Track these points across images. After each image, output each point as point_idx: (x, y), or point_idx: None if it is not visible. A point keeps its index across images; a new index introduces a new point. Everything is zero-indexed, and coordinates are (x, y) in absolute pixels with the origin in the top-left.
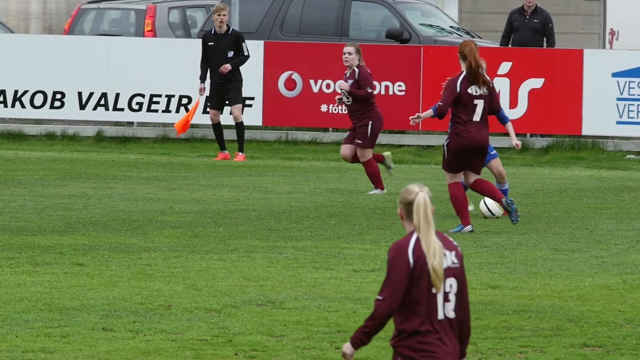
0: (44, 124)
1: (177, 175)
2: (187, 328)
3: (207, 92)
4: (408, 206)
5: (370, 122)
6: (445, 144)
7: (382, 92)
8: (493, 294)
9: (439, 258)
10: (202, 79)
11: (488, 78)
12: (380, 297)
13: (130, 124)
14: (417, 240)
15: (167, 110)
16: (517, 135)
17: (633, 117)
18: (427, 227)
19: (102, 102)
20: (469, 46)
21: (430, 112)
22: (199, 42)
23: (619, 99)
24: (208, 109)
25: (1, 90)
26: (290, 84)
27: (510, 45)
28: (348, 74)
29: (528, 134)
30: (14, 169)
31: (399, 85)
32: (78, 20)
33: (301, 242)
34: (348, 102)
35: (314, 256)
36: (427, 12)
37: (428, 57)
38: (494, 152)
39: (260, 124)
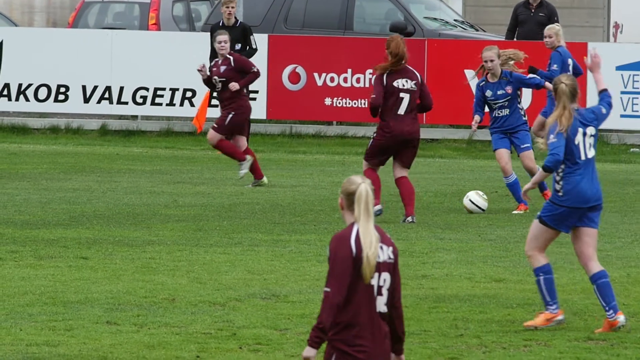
0: (48, 117)
1: (181, 169)
2: (191, 321)
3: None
4: (349, 196)
5: (232, 114)
6: (372, 136)
7: None
8: (497, 287)
9: (374, 249)
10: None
11: (416, 73)
12: (327, 289)
13: (135, 117)
14: (358, 232)
15: (171, 103)
16: None
17: (637, 111)
18: (366, 218)
19: (106, 95)
20: (394, 41)
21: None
22: (203, 35)
23: (622, 93)
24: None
25: (5, 83)
26: (294, 78)
27: (515, 39)
28: (221, 61)
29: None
30: (18, 163)
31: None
32: (82, 13)
33: (305, 236)
34: (218, 89)
35: (318, 249)
36: (431, 6)
37: (432, 50)
38: (527, 145)
39: (265, 117)
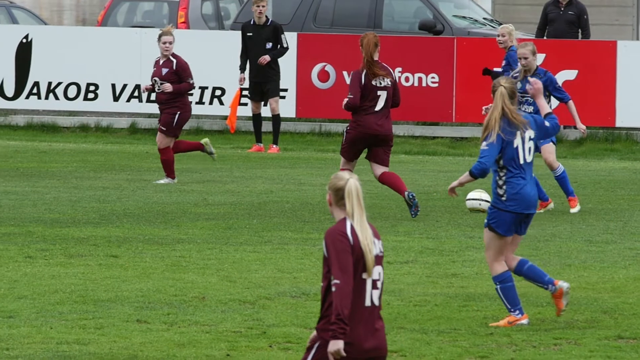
0: (77, 115)
1: (211, 167)
2: (221, 320)
3: (246, 83)
4: (338, 192)
5: (179, 112)
6: (345, 130)
7: (416, 84)
8: (527, 285)
9: (372, 244)
10: (242, 69)
11: (390, 70)
12: (337, 281)
13: None
14: (352, 226)
15: (200, 102)
16: None
17: None
18: (360, 213)
19: (136, 93)
20: (366, 38)
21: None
22: (232, 34)
23: None
24: (249, 101)
25: (35, 82)
26: (323, 76)
27: (545, 37)
28: (162, 62)
29: (562, 126)
30: (48, 161)
31: (432, 77)
32: (111, 12)
33: None
34: (159, 90)
35: None
36: (460, 4)
37: (461, 48)
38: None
39: (294, 115)
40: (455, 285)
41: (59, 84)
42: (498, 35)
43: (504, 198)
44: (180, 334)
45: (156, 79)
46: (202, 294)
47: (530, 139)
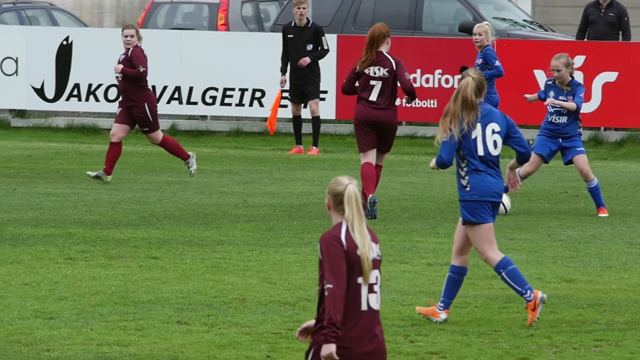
0: None
1: (251, 169)
2: (261, 321)
3: (287, 85)
4: (336, 197)
5: (146, 105)
6: (354, 124)
7: (456, 86)
8: (567, 287)
9: (370, 251)
10: (283, 71)
11: (392, 60)
12: (330, 285)
13: (204, 117)
14: (347, 230)
15: (240, 104)
16: (591, 129)
17: None
18: (359, 219)
19: (176, 95)
20: (372, 28)
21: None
22: (272, 36)
23: None
24: (289, 103)
25: (75, 84)
26: None
27: (585, 39)
28: (124, 55)
29: (602, 128)
30: (88, 163)
31: None
32: (151, 14)
33: None
34: (119, 78)
35: (388, 250)
36: (500, 6)
37: (501, 50)
38: (581, 148)
39: (334, 117)
40: (495, 287)
41: (99, 85)
42: (475, 34)
43: (467, 189)
44: (221, 335)
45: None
46: (242, 295)
47: (493, 132)
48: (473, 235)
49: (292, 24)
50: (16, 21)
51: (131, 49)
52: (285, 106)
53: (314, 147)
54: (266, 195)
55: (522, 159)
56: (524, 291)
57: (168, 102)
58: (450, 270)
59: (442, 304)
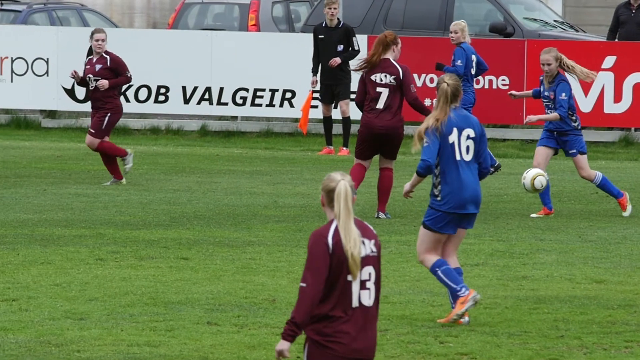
0: (148, 118)
1: (281, 170)
2: None
3: (318, 86)
4: (329, 194)
5: (109, 114)
6: (358, 130)
7: (486, 86)
8: (598, 288)
9: (358, 247)
10: (314, 71)
11: (399, 67)
12: (303, 284)
13: (234, 118)
14: (337, 227)
15: (270, 104)
16: (621, 129)
17: None
18: (347, 215)
19: (206, 96)
20: (379, 37)
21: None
22: (302, 37)
23: None
24: (320, 104)
25: None
26: None
27: (616, 39)
28: (96, 59)
29: (632, 128)
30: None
31: (503, 80)
32: (182, 14)
33: (405, 237)
34: (92, 87)
35: None
36: (531, 6)
37: (532, 51)
38: (573, 150)
39: None
40: (525, 287)
41: (130, 86)
42: (451, 32)
43: (439, 198)
44: (251, 336)
45: (90, 76)
46: (272, 296)
47: (468, 137)
48: (422, 234)
49: (323, 25)
50: (47, 22)
51: (107, 56)
52: (316, 107)
53: (344, 148)
54: (296, 196)
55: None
56: (458, 288)
57: (198, 103)
58: (437, 266)
59: (459, 292)
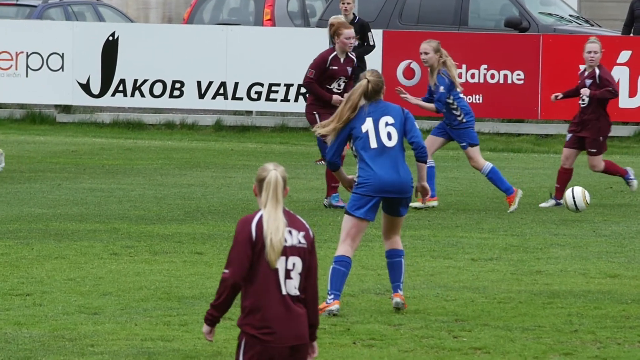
0: (163, 113)
1: (296, 164)
2: None
3: None
4: (260, 183)
5: None
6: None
7: (501, 81)
8: (612, 283)
9: (281, 235)
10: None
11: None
12: (226, 271)
13: (249, 113)
14: (262, 217)
15: (285, 99)
16: (636, 124)
17: None
18: (274, 204)
19: (221, 91)
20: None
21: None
22: (318, 31)
23: None
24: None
25: (121, 79)
26: (409, 73)
27: (632, 34)
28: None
29: None
30: (133, 158)
31: (518, 74)
32: (197, 9)
33: (419, 231)
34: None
35: (432, 245)
36: (546, 1)
37: (547, 45)
38: (464, 143)
39: None
40: (539, 282)
41: (145, 81)
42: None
43: (357, 183)
44: None
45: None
46: None
47: (387, 124)
48: (344, 221)
49: None
50: (62, 17)
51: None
52: None
53: None
54: (311, 191)
55: (417, 157)
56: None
57: (213, 98)
58: (335, 260)
59: (328, 297)
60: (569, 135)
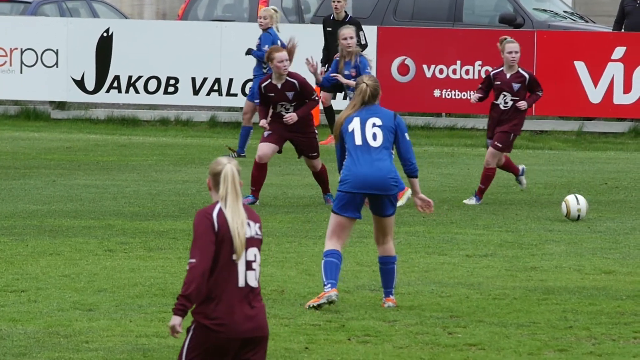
0: (157, 109)
1: (290, 160)
2: (300, 313)
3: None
4: (216, 177)
5: None
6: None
7: None
8: (607, 279)
9: (244, 228)
10: (323, 62)
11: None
12: (192, 260)
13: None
14: (220, 209)
15: None
16: (631, 120)
17: None
18: (234, 198)
19: (216, 87)
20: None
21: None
22: (312, 28)
23: None
24: (320, 93)
25: (115, 76)
26: (403, 69)
27: (623, 30)
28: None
29: None
30: (127, 155)
31: None
32: (192, 5)
33: (414, 227)
34: None
35: (427, 241)
36: None
37: (541, 42)
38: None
39: None
40: (534, 278)
41: (139, 77)
42: (260, 18)
43: (340, 180)
44: None
45: None
46: (281, 287)
47: (374, 125)
48: (330, 218)
49: (331, 17)
50: (57, 13)
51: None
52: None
53: None
54: (305, 187)
55: (406, 173)
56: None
57: (208, 94)
58: (325, 254)
59: (325, 285)
60: (489, 141)
